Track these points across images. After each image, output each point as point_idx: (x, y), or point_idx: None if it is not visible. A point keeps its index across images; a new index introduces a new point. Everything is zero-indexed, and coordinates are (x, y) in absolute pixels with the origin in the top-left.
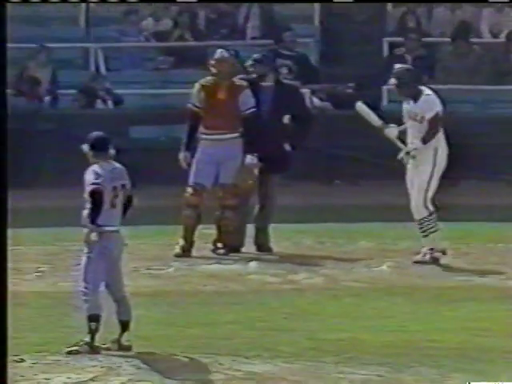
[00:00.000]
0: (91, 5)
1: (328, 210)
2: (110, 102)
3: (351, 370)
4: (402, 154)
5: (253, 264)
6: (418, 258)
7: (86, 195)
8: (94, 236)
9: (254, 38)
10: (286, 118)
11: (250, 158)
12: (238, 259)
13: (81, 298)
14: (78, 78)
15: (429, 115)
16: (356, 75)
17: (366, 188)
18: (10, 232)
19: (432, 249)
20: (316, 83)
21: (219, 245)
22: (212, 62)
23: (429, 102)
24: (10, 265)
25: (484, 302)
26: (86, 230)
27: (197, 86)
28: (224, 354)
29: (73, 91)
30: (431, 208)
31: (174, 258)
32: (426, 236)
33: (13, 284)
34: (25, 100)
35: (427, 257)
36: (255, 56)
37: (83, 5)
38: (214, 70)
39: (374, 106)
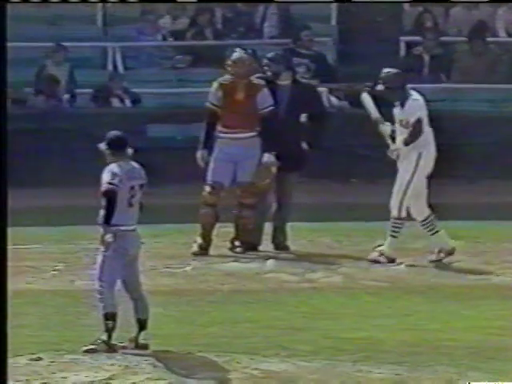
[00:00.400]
0: (108, 4)
1: (345, 208)
2: (127, 101)
3: (369, 369)
4: (388, 153)
5: (270, 262)
6: (370, 256)
7: (101, 194)
8: (108, 237)
9: (271, 37)
10: (303, 117)
11: (268, 157)
12: (255, 258)
13: (96, 297)
14: (96, 77)
15: (412, 119)
16: (373, 74)
17: (383, 186)
18: (26, 230)
19: (382, 254)
20: (333, 82)
21: (237, 243)
22: (229, 62)
23: (413, 106)
24: (26, 263)
25: (501, 300)
26: (101, 231)
27: (215, 84)
28: (241, 353)
29: (90, 90)
30: (403, 213)
31: (191, 256)
32: (390, 235)
33: (29, 282)
34: (43, 99)
35: (375, 255)
36: (269, 55)
37: (100, 4)
38: (231, 71)
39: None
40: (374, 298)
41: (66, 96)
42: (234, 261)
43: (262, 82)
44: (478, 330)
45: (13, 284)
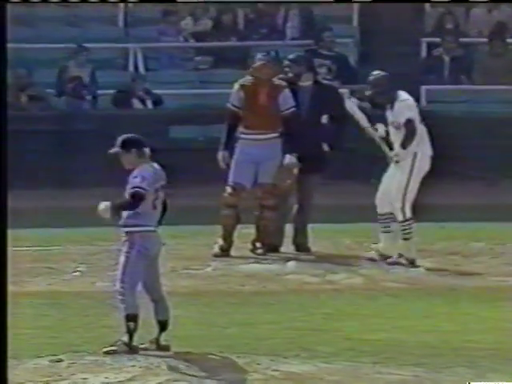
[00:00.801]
0: (130, 4)
1: (366, 209)
2: (148, 103)
3: (388, 371)
4: (388, 159)
5: (291, 264)
6: (390, 260)
7: (127, 195)
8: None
9: (293, 39)
10: (324, 118)
11: (289, 158)
12: (276, 259)
13: (118, 298)
14: (117, 78)
15: (402, 120)
16: (394, 75)
17: None
18: (47, 232)
19: (401, 255)
20: (355, 83)
21: (258, 245)
22: (251, 69)
23: (401, 107)
24: (47, 265)
25: None
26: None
27: (236, 85)
28: (262, 354)
29: (112, 91)
30: (408, 214)
31: (212, 257)
32: (404, 239)
33: (50, 284)
34: (66, 100)
35: (394, 258)
36: (291, 56)
37: (121, 5)
38: (254, 73)
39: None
40: (394, 299)
41: (88, 97)
42: (254, 262)
43: (284, 83)
44: (497, 332)
45: (34, 285)
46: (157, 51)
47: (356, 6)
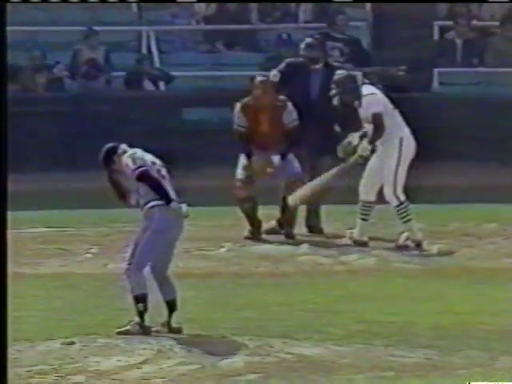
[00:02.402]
0: None
1: (379, 191)
2: (161, 84)
3: (401, 353)
4: (359, 156)
5: (304, 245)
6: (400, 242)
7: (135, 182)
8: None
9: (306, 22)
10: (336, 100)
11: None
12: (289, 240)
13: (126, 278)
14: (131, 60)
15: (370, 114)
16: (407, 58)
17: (415, 169)
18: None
19: (408, 238)
20: (367, 66)
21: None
22: (252, 85)
23: (368, 101)
24: (59, 246)
25: None
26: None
27: (238, 106)
28: (275, 337)
29: (124, 73)
30: (402, 198)
31: (225, 238)
32: (404, 222)
33: (63, 265)
34: (80, 82)
35: (402, 241)
36: (308, 40)
37: None
38: (254, 93)
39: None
40: (407, 280)
41: (102, 79)
42: (268, 243)
43: (285, 99)
44: (509, 314)
45: (46, 267)
46: (170, 34)
47: None
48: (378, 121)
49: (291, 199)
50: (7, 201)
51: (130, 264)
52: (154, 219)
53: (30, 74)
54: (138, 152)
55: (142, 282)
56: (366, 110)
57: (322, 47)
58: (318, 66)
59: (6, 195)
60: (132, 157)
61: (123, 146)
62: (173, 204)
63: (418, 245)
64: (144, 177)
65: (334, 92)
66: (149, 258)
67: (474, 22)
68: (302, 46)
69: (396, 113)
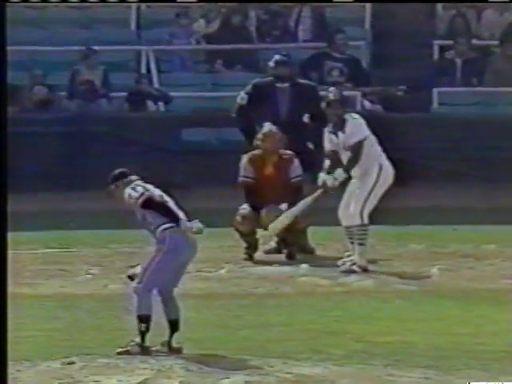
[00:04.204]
0: (142, 7)
1: (378, 212)
2: (160, 104)
3: (400, 373)
4: (329, 187)
5: (304, 266)
6: (345, 267)
7: (141, 212)
8: (194, 226)
9: (306, 41)
10: (306, 117)
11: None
12: (289, 262)
13: (134, 296)
14: (130, 80)
15: (351, 142)
16: (407, 78)
17: (416, 190)
18: (60, 234)
19: (354, 263)
20: (367, 86)
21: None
22: (260, 136)
23: (352, 128)
24: (59, 267)
25: None
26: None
27: (245, 158)
28: (275, 357)
29: (124, 94)
30: (365, 220)
31: (225, 259)
32: (358, 244)
33: (63, 286)
34: (78, 103)
35: (348, 266)
36: (277, 57)
37: (134, 7)
38: (261, 145)
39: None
40: (406, 301)
41: (101, 99)
42: (267, 264)
43: (293, 154)
44: (509, 335)
45: (46, 287)
46: (169, 53)
47: (368, 8)
48: (357, 149)
49: (271, 227)
50: (7, 221)
51: (139, 283)
52: (165, 241)
53: (27, 94)
54: (139, 182)
55: (148, 302)
56: (349, 136)
57: (290, 64)
58: (285, 85)
59: (6, 215)
60: (132, 186)
61: (132, 177)
62: (182, 224)
63: (365, 270)
64: (148, 203)
65: (324, 109)
66: (160, 279)
67: (474, 41)
68: (271, 63)
69: (375, 140)
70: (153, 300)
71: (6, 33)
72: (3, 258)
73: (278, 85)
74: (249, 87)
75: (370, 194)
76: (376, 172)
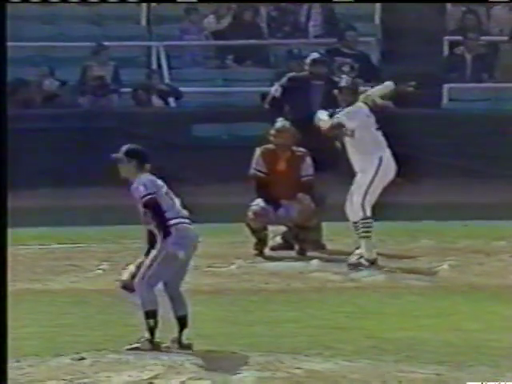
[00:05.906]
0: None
1: (389, 208)
2: (171, 100)
3: (410, 369)
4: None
5: (315, 262)
6: (353, 260)
7: (142, 207)
8: (181, 254)
9: (316, 37)
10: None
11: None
12: (300, 257)
13: (137, 291)
14: (141, 76)
15: (339, 115)
16: (417, 74)
17: (427, 186)
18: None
19: (361, 256)
20: (377, 82)
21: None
22: (272, 131)
23: (349, 109)
24: (70, 262)
25: None
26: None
27: (257, 152)
28: (285, 352)
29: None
30: (368, 212)
31: (235, 255)
32: (363, 237)
33: (73, 282)
34: (89, 99)
35: (355, 259)
36: (315, 56)
37: (144, 3)
38: (274, 140)
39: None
40: (417, 297)
41: (112, 95)
42: (278, 260)
43: (305, 151)
44: None
45: (56, 283)
46: (180, 49)
47: (378, 5)
48: (336, 126)
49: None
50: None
51: (142, 279)
52: (165, 239)
53: (37, 89)
54: (151, 178)
55: (152, 297)
56: (342, 113)
57: (328, 64)
58: (320, 82)
59: (6, 211)
60: (144, 181)
61: (147, 166)
62: (170, 247)
63: (372, 263)
64: (149, 206)
65: (336, 94)
66: (162, 276)
67: (484, 37)
68: (308, 61)
69: (379, 133)
70: (159, 296)
71: (7, 32)
72: (3, 255)
73: (313, 81)
74: (284, 80)
75: (369, 186)
76: (376, 164)
